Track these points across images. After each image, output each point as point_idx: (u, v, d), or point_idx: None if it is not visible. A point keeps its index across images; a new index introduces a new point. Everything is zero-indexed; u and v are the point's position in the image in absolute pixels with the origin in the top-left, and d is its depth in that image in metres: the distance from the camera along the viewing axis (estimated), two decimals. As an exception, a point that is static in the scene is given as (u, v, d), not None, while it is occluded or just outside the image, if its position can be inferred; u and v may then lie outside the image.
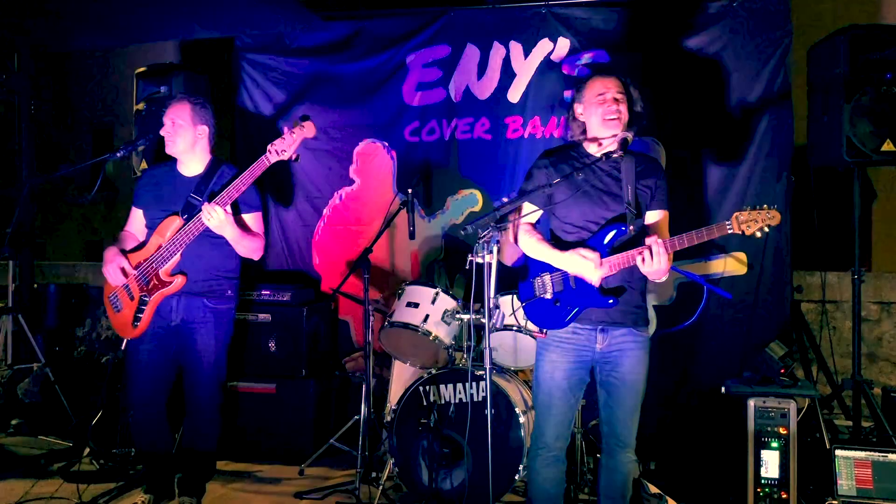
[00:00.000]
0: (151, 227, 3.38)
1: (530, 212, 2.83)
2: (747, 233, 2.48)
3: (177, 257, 3.29)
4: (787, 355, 3.65)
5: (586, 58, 4.44)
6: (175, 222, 3.29)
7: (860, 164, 3.83)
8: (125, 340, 3.52)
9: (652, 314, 4.16)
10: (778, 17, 4.19)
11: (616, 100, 2.73)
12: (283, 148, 3.19)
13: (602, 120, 2.73)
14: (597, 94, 2.75)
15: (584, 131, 2.82)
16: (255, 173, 3.22)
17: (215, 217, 3.16)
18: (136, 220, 3.48)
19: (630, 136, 2.71)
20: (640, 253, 2.57)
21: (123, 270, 3.31)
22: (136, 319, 3.33)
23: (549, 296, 2.76)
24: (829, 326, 4.47)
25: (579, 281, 2.68)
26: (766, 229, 2.48)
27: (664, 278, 2.64)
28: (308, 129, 3.24)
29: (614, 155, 2.72)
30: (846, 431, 4.05)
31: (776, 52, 4.19)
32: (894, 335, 4.53)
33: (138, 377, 3.38)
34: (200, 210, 3.21)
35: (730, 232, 2.50)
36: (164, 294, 3.32)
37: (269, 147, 3.20)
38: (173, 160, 3.46)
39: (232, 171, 3.43)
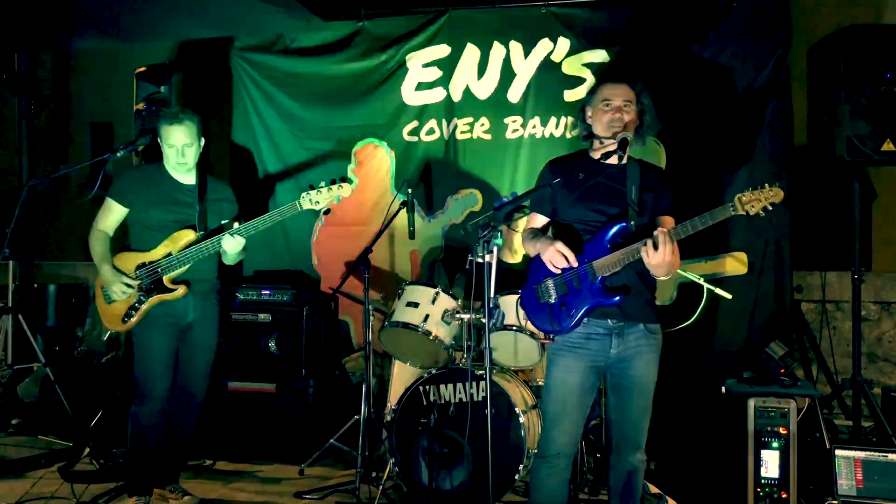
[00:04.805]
0: (153, 227, 3.39)
1: (534, 216, 2.85)
2: (751, 212, 2.45)
3: (184, 268, 3.36)
4: (787, 355, 3.65)
5: (586, 57, 4.45)
6: (190, 235, 3.38)
7: (860, 164, 3.83)
8: (112, 333, 3.70)
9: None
10: (778, 16, 4.20)
11: (620, 108, 2.73)
12: (316, 200, 3.33)
13: (605, 126, 2.74)
14: (602, 100, 2.76)
15: (590, 134, 2.83)
16: (284, 214, 3.37)
17: (237, 245, 3.34)
18: (116, 217, 3.47)
19: (630, 136, 2.70)
20: (644, 244, 2.52)
21: (127, 284, 3.35)
22: (128, 316, 3.38)
23: (553, 300, 2.74)
24: (829, 326, 4.47)
25: (583, 281, 2.67)
26: (770, 207, 2.45)
27: (670, 275, 2.59)
28: (345, 191, 3.37)
29: (613, 156, 2.71)
30: (846, 431, 4.05)
31: (776, 51, 4.19)
32: (894, 335, 4.53)
33: (157, 374, 3.40)
34: (216, 229, 3.40)
35: (733, 214, 2.47)
36: (162, 299, 3.36)
37: (303, 195, 3.33)
38: (159, 160, 3.48)
39: (218, 184, 3.59)
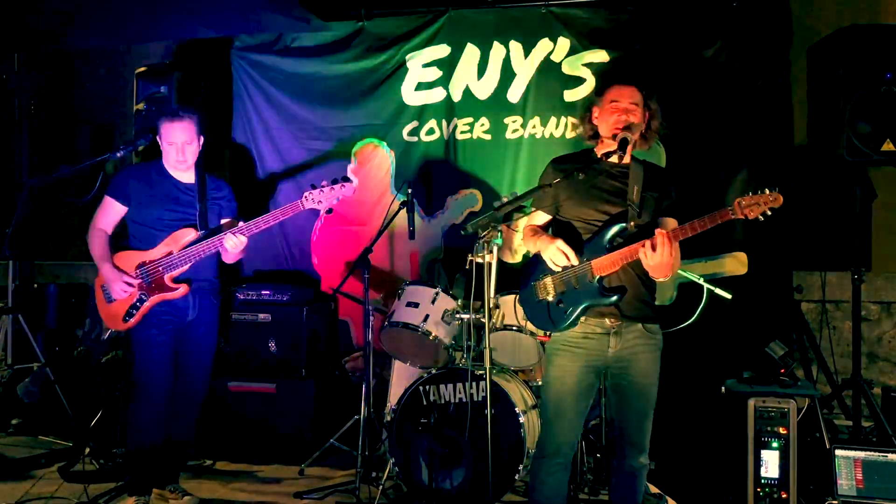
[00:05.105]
0: (153, 226, 3.39)
1: (535, 212, 2.85)
2: (750, 216, 2.46)
3: (186, 267, 3.35)
4: (787, 355, 3.65)
5: (586, 57, 4.45)
6: (190, 234, 3.38)
7: (860, 163, 3.83)
8: (112, 333, 3.64)
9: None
10: (778, 16, 4.20)
11: (627, 109, 2.73)
12: (319, 199, 3.34)
13: (611, 127, 2.74)
14: (610, 101, 2.76)
15: (595, 135, 2.83)
16: (286, 213, 3.37)
17: (238, 244, 3.33)
18: (115, 215, 3.47)
19: (630, 136, 2.70)
20: (643, 245, 2.53)
21: (128, 283, 3.35)
22: (129, 315, 3.38)
23: (551, 298, 2.75)
24: (829, 326, 4.47)
25: (581, 280, 2.67)
26: (769, 212, 2.46)
27: (668, 277, 2.59)
28: (347, 190, 3.37)
29: (614, 155, 2.71)
30: (846, 431, 4.05)
31: (776, 51, 4.19)
32: (894, 335, 4.53)
33: (158, 372, 3.41)
34: (217, 228, 3.41)
35: (732, 217, 2.48)
36: (164, 298, 3.36)
37: (305, 194, 3.34)
38: (157, 159, 3.49)
39: (217, 182, 3.58)
